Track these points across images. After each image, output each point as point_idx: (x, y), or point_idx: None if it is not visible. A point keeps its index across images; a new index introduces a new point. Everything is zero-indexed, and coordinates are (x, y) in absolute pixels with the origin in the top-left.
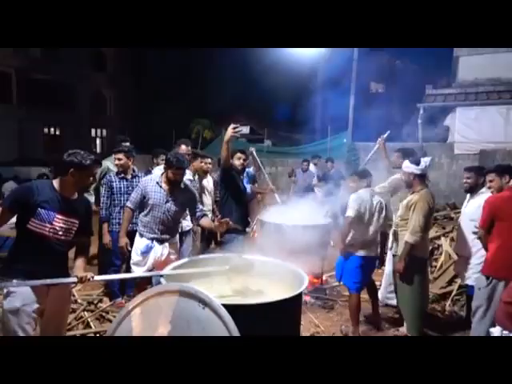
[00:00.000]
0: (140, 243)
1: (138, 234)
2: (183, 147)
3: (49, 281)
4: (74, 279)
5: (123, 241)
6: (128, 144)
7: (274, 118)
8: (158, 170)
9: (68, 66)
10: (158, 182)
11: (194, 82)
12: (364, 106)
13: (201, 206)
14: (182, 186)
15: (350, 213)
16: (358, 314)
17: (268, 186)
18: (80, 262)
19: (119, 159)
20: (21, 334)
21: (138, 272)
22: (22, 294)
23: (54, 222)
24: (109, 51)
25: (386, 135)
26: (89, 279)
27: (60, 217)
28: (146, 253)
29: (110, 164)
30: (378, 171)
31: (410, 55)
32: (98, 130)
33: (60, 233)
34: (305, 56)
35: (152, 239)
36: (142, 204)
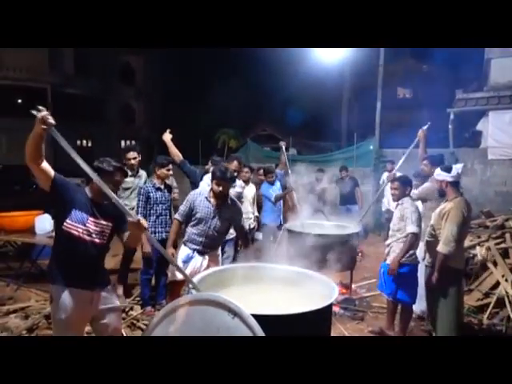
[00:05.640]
0: (182, 252)
1: (182, 243)
2: (235, 163)
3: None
4: (135, 218)
5: (170, 251)
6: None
7: (298, 126)
8: (205, 184)
9: (99, 80)
10: (206, 197)
11: (220, 93)
12: (391, 112)
13: (245, 225)
14: (229, 201)
15: (416, 229)
16: None
17: (289, 185)
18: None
19: (168, 170)
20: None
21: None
22: (66, 305)
23: (87, 224)
24: (137, 64)
25: (426, 126)
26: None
27: (92, 219)
28: (186, 262)
29: None
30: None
31: (438, 58)
32: (128, 142)
33: (94, 235)
34: (330, 62)
35: (194, 250)
36: (190, 216)
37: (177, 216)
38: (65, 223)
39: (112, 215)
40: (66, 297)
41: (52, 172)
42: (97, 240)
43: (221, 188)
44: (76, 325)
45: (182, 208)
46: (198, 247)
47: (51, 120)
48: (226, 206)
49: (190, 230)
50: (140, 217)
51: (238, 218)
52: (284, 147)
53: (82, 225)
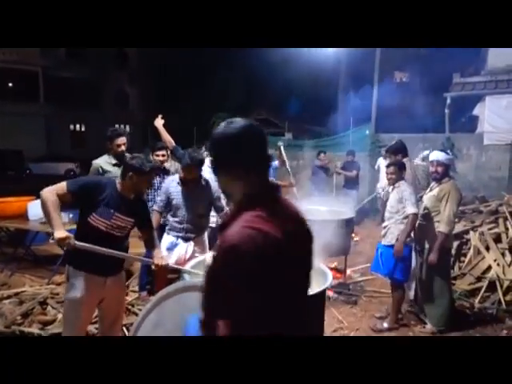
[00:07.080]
0: (166, 240)
1: (166, 232)
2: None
3: (131, 256)
4: (151, 261)
5: None
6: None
7: (294, 111)
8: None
9: (92, 64)
10: (178, 182)
11: (215, 77)
12: (388, 97)
13: (224, 204)
14: (204, 182)
15: (416, 210)
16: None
17: (289, 180)
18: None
19: (163, 155)
20: (78, 323)
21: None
22: (81, 285)
23: (112, 220)
24: (130, 49)
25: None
26: (165, 266)
27: (118, 215)
28: (170, 249)
29: (102, 163)
30: None
31: None
32: (122, 126)
33: (116, 230)
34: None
35: (177, 237)
36: (168, 204)
37: (155, 207)
38: (91, 216)
39: (136, 212)
40: (81, 279)
41: (64, 188)
42: (118, 234)
43: (192, 176)
44: (88, 305)
45: (159, 198)
46: (180, 234)
47: (72, 243)
48: (199, 187)
49: (171, 219)
50: (159, 258)
51: (213, 198)
52: (282, 147)
53: (107, 220)
